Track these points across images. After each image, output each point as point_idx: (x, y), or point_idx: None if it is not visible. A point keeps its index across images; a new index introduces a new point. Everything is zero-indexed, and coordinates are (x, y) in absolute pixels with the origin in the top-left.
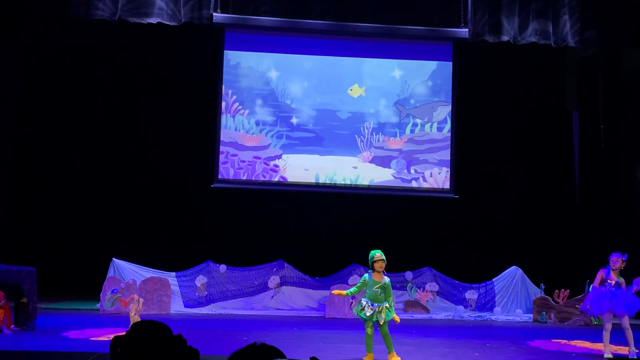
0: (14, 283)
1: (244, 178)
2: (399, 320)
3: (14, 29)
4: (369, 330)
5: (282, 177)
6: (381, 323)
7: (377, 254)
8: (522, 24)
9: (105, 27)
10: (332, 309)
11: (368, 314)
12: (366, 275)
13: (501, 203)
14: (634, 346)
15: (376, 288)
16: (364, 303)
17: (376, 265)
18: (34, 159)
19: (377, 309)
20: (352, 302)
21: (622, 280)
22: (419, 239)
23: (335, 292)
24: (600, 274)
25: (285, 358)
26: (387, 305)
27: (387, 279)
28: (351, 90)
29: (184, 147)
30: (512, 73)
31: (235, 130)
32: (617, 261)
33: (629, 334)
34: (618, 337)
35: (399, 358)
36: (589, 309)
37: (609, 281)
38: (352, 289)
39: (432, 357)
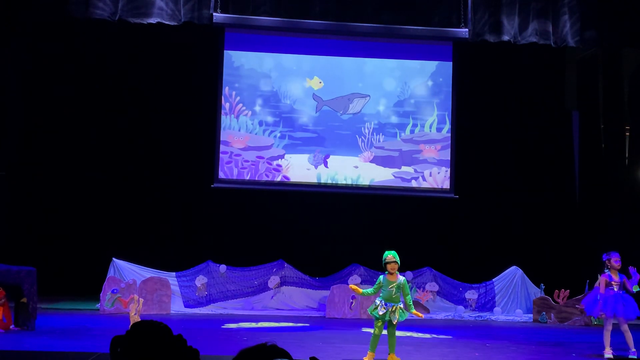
0: (14, 283)
1: (248, 178)
2: (422, 316)
3: (14, 29)
4: (377, 331)
5: (284, 176)
6: (394, 323)
7: (389, 256)
8: (522, 23)
9: (105, 26)
10: (332, 309)
11: (381, 313)
12: (381, 277)
13: (501, 203)
14: (634, 347)
15: (390, 287)
16: (378, 302)
17: (388, 267)
18: (33, 159)
19: (390, 308)
20: (351, 303)
21: (624, 278)
22: (419, 239)
23: (352, 286)
24: (604, 279)
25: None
26: (402, 305)
27: (402, 278)
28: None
29: (184, 147)
30: (512, 73)
31: (239, 130)
32: (619, 260)
33: (629, 336)
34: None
35: (399, 359)
36: (598, 312)
37: (613, 283)
38: (369, 290)
39: (432, 357)
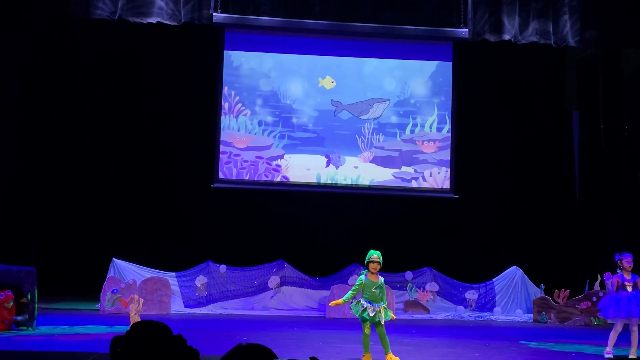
0: (14, 283)
1: (247, 178)
2: (394, 317)
3: (14, 29)
4: (367, 330)
5: (284, 176)
6: (382, 323)
7: (374, 256)
8: (522, 23)
9: (105, 26)
10: (332, 309)
11: (371, 315)
12: (362, 277)
13: (501, 203)
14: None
15: (375, 289)
16: (365, 304)
17: (370, 266)
18: (34, 159)
19: (377, 309)
20: (352, 302)
21: (637, 279)
22: (419, 239)
23: (333, 303)
24: (617, 280)
25: (273, 355)
26: (385, 305)
27: (382, 279)
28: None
29: (184, 147)
30: (512, 73)
31: (238, 130)
32: (631, 261)
33: (635, 337)
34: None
35: (397, 358)
36: (612, 313)
37: (626, 284)
38: (349, 294)
39: (432, 357)
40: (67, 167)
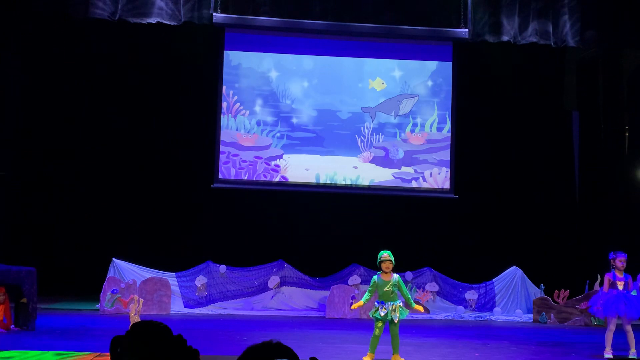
0: (14, 283)
1: (245, 178)
2: (422, 310)
3: (14, 29)
4: (377, 331)
5: (283, 177)
6: (395, 321)
7: (384, 255)
8: (522, 24)
9: (105, 26)
10: (332, 309)
11: (382, 314)
12: (375, 277)
13: (501, 203)
14: (634, 348)
15: (387, 288)
16: (377, 304)
17: (382, 266)
18: (34, 159)
19: (390, 307)
20: (352, 302)
21: (629, 279)
22: (419, 239)
23: (354, 305)
24: (608, 279)
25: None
26: (400, 303)
27: (396, 276)
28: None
29: (184, 147)
30: (512, 73)
31: (237, 130)
32: (624, 261)
33: (631, 337)
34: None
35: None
36: (601, 312)
37: (617, 283)
38: (366, 295)
39: (432, 357)
40: (67, 167)
